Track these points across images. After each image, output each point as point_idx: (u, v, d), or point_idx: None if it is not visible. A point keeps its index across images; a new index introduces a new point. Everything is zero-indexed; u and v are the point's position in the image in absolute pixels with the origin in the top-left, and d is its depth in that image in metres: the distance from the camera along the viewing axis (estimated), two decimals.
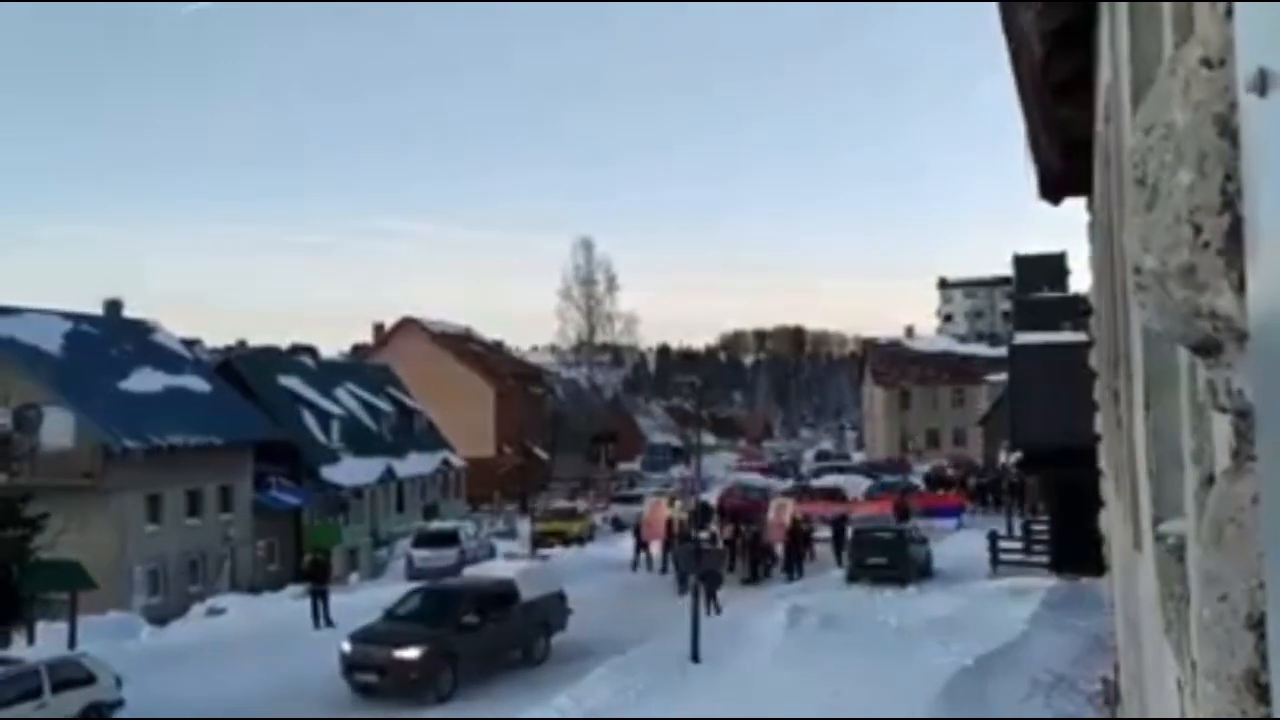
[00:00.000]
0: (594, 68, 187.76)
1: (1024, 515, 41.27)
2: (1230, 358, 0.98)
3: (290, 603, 31.04)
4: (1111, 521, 8.01)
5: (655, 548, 34.33)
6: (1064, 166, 8.12)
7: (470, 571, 26.46)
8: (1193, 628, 1.44)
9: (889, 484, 52.71)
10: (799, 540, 33.44)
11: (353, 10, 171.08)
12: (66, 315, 38.48)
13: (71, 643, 22.70)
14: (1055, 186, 9.14)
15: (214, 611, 30.89)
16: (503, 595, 22.35)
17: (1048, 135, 7.41)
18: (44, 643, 22.94)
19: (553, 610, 23.51)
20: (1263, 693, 0.87)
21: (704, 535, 31.32)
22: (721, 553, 31.26)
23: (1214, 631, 0.96)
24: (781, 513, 34.38)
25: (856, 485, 53.65)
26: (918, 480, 58.54)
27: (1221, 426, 1.23)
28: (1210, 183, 0.91)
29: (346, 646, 20.39)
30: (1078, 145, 7.40)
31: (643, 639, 21.64)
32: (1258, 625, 0.87)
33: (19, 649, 22.22)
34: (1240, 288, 0.88)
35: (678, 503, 38.87)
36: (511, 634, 22.00)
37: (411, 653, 19.86)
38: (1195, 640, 1.18)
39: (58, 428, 34.02)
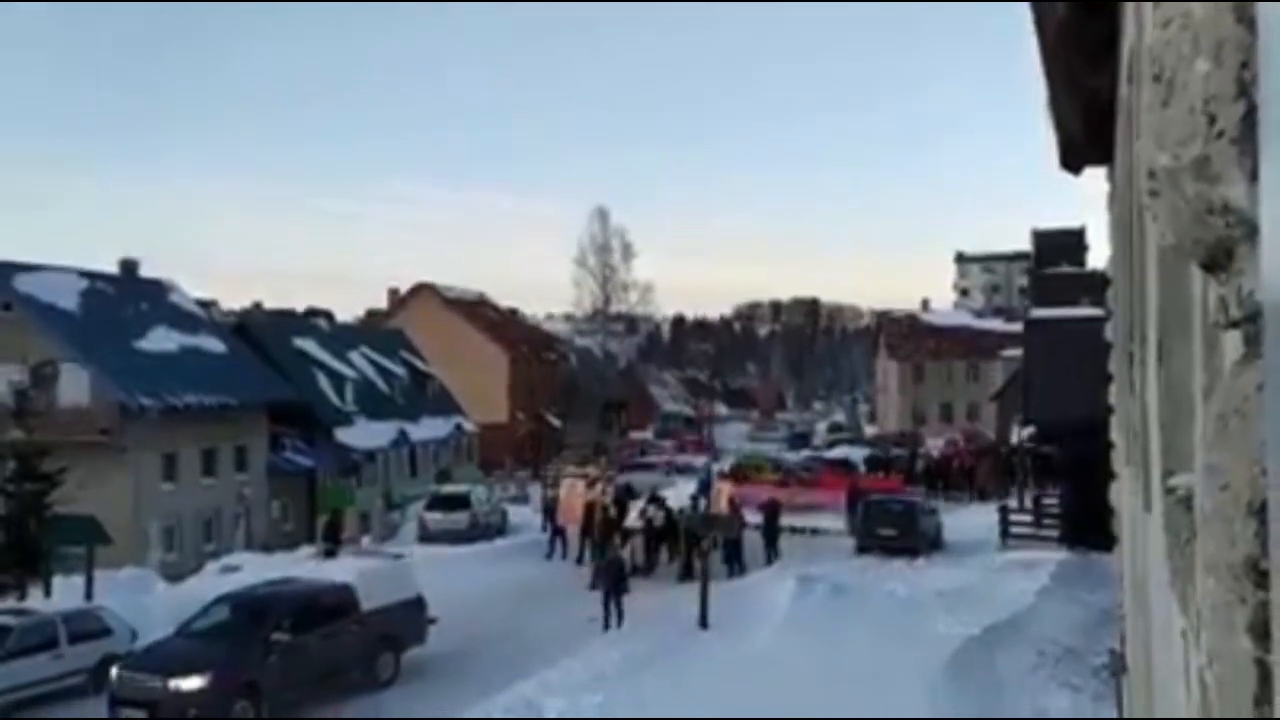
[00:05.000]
0: (612, 37, 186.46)
1: (975, 499, 41.64)
2: (1241, 264, 0.99)
3: (305, 562, 31.24)
4: (1121, 491, 8.03)
5: (572, 533, 30.87)
6: (1085, 135, 8.05)
7: (305, 572, 21.45)
8: (1198, 563, 1.45)
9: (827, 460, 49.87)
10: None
11: None
12: (83, 273, 38.68)
13: (88, 597, 22.96)
14: (1076, 156, 9.07)
15: (228, 569, 31.18)
16: (335, 605, 18.37)
17: (1070, 101, 7.32)
18: (60, 596, 23.20)
19: (405, 621, 19.50)
20: (1261, 578, 0.88)
21: (634, 522, 29.45)
22: (731, 519, 30.05)
23: (1214, 523, 0.97)
24: (719, 499, 30.14)
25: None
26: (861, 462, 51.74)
27: (1233, 344, 1.24)
28: (1226, 71, 0.91)
29: (114, 673, 16.63)
30: (1100, 113, 7.33)
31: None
32: (1259, 512, 0.89)
33: (35, 601, 22.48)
34: (1253, 177, 0.89)
35: (598, 484, 34.74)
36: (344, 652, 17.96)
37: (193, 683, 15.92)
38: (1199, 567, 1.20)
39: (74, 385, 34.33)
